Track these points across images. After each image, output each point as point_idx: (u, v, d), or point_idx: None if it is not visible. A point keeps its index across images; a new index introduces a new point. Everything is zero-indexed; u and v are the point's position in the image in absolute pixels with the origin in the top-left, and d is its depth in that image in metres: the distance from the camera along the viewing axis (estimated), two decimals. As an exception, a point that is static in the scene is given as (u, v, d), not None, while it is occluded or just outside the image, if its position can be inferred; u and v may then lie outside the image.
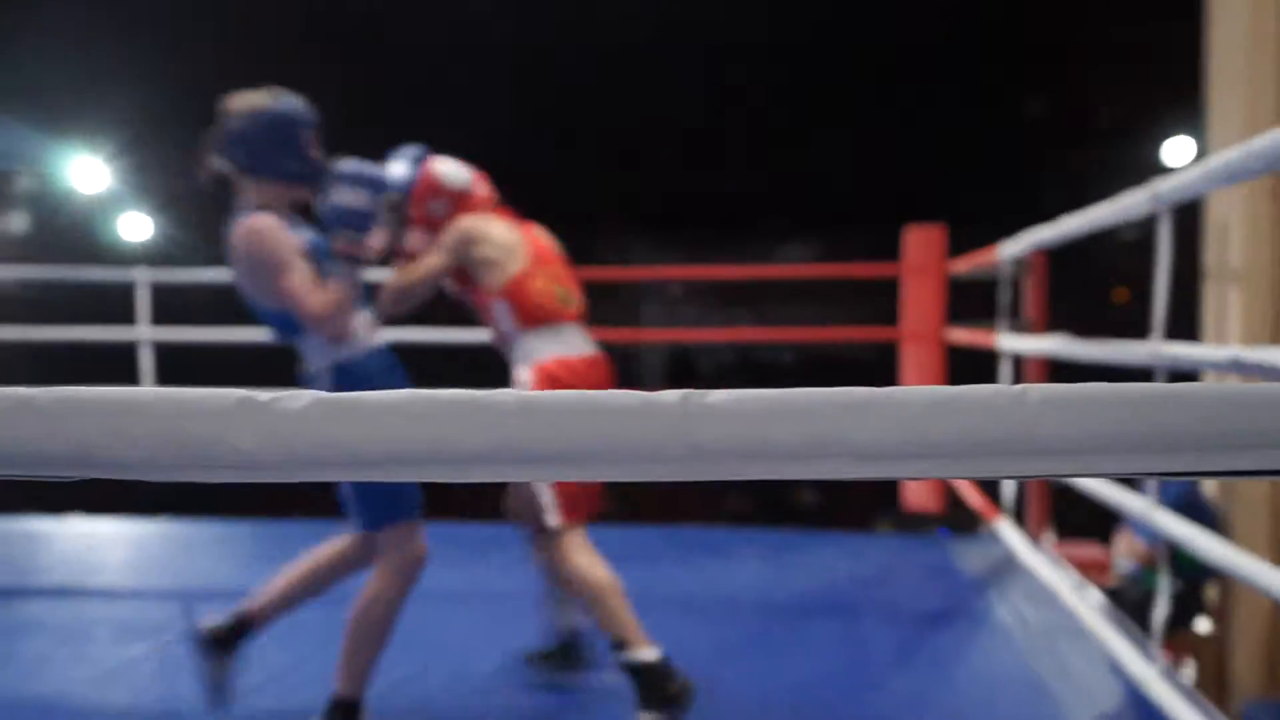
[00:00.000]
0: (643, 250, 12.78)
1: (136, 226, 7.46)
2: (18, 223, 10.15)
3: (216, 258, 4.58)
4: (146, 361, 5.06)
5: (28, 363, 7.59)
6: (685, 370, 13.45)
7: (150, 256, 5.93)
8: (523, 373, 2.64)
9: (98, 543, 4.75)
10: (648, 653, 2.45)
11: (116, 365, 5.40)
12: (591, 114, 12.19)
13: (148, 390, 0.80)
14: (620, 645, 2.47)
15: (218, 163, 2.43)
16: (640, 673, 2.41)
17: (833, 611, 3.62)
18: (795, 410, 0.75)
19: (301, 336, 2.45)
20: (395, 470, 0.76)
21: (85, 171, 6.88)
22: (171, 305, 5.45)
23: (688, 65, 12.42)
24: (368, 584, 2.49)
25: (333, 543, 2.62)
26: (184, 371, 4.65)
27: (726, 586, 3.96)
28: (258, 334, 5.08)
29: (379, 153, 2.89)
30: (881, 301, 6.46)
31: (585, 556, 2.57)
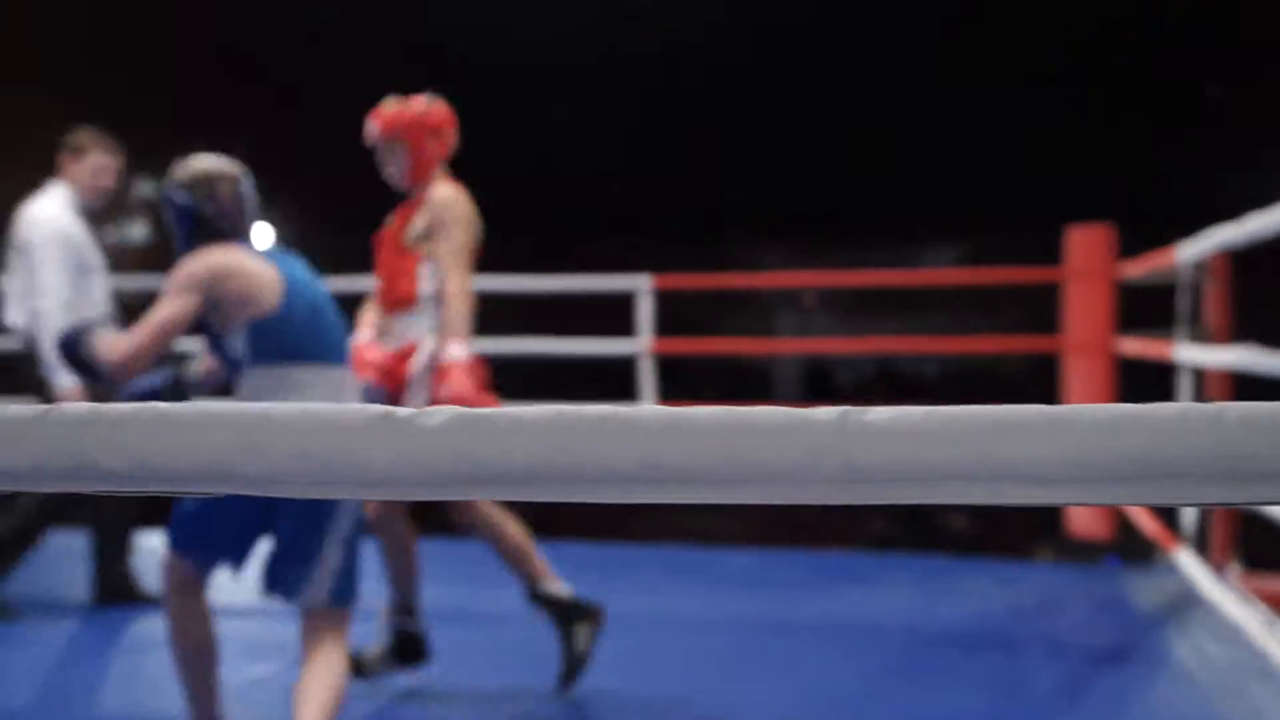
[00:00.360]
0: (776, 257, 12.71)
1: (259, 236, 7.75)
2: (137, 232, 10.66)
3: (339, 265, 4.72)
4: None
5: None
6: (821, 383, 13.31)
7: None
8: (429, 341, 2.93)
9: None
10: (558, 585, 2.96)
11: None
12: (720, 117, 12.21)
13: (286, 405, 0.83)
14: (533, 580, 2.95)
15: (233, 225, 2.51)
16: (554, 602, 2.92)
17: (988, 644, 3.53)
18: (964, 430, 0.73)
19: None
20: (537, 489, 0.77)
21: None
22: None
23: (823, 64, 12.33)
24: (331, 673, 2.41)
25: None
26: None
27: (871, 614, 3.90)
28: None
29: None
30: (1039, 310, 6.28)
31: (499, 511, 2.98)
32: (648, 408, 0.77)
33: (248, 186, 2.54)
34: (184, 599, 2.52)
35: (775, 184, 13.18)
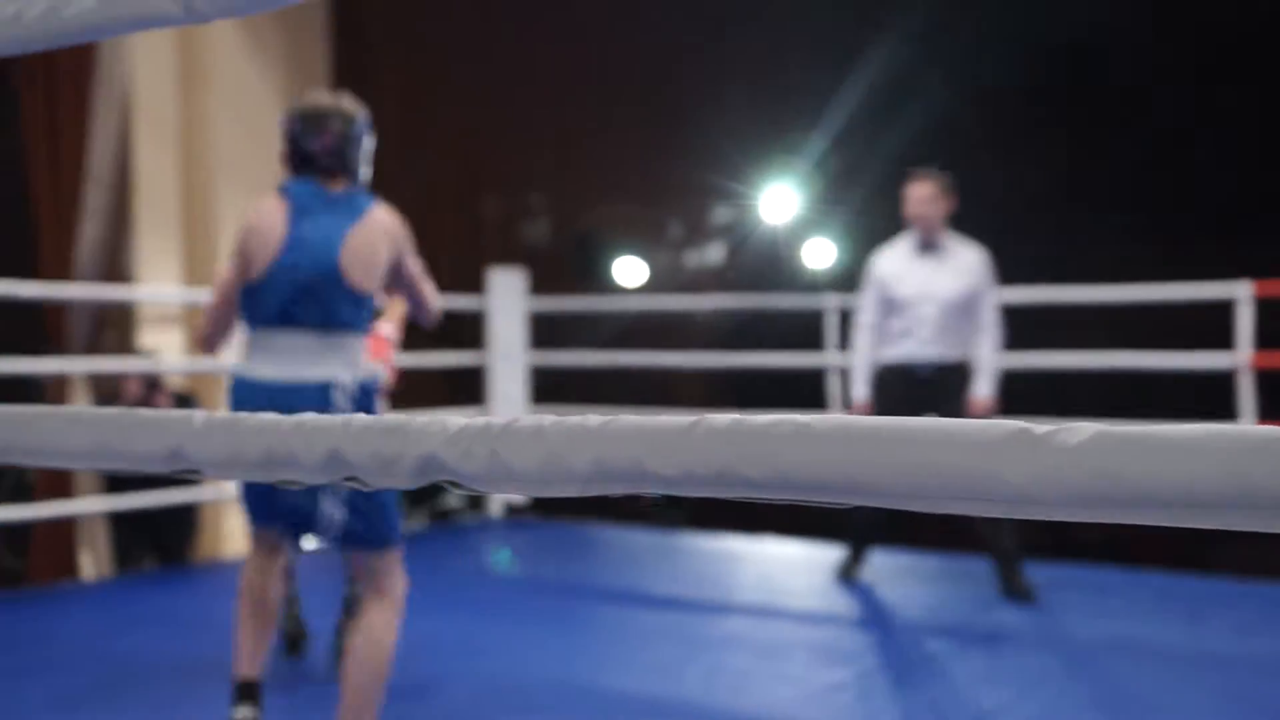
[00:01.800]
0: None
1: (821, 253, 8.04)
2: (714, 254, 11.50)
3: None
4: (834, 387, 5.41)
5: (727, 387, 8.50)
6: None
7: (834, 283, 6.37)
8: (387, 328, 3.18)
9: (789, 564, 5.17)
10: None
11: (803, 390, 5.84)
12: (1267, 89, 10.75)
13: (919, 420, 0.85)
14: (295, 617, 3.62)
15: (339, 163, 2.49)
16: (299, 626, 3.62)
17: None
18: None
19: (356, 339, 2.45)
20: (1197, 516, 0.73)
21: (777, 200, 7.55)
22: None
23: None
24: (381, 621, 2.40)
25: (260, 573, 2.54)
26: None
27: None
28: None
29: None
30: None
31: None
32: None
33: (361, 130, 2.53)
34: (253, 559, 2.56)
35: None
